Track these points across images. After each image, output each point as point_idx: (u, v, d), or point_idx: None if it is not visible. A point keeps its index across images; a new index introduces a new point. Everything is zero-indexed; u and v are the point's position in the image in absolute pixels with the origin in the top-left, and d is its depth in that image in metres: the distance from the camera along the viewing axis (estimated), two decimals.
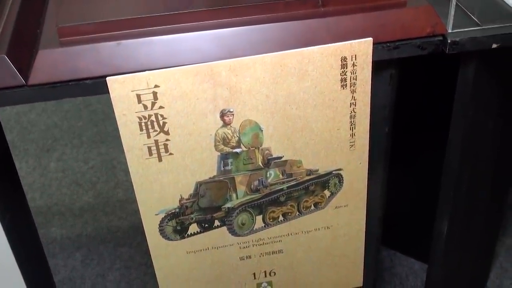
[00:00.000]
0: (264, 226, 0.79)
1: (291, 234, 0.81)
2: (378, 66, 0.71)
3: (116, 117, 0.68)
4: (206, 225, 0.77)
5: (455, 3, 0.69)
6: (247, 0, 0.69)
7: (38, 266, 1.05)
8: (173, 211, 0.75)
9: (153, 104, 0.68)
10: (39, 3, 0.78)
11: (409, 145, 0.89)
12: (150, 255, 0.79)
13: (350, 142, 0.75)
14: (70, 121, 1.88)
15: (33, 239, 1.05)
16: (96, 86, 0.66)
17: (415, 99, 0.84)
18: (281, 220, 0.79)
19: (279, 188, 0.76)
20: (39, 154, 1.75)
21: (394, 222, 1.01)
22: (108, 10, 0.69)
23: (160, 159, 0.71)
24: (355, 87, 0.71)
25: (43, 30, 0.70)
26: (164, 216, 0.75)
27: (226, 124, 0.70)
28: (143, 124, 0.68)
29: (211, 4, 0.68)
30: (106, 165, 1.70)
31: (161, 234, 0.76)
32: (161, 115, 0.68)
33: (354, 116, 0.73)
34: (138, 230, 1.47)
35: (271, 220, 0.79)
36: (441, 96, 0.79)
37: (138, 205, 0.74)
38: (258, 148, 0.73)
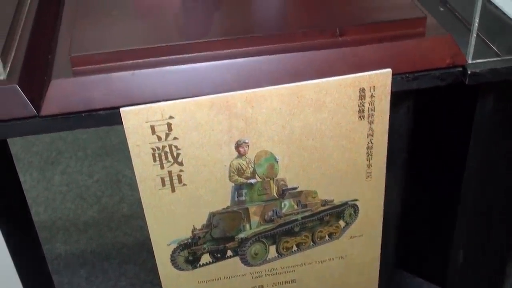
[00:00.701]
0: (278, 256, 0.77)
1: (304, 264, 0.79)
2: (396, 96, 0.69)
3: (129, 147, 0.66)
4: (219, 255, 0.76)
5: (475, 34, 0.68)
6: (263, 29, 0.68)
7: (42, 284, 1.04)
8: (185, 241, 0.73)
9: (167, 135, 0.66)
10: (50, 27, 0.76)
11: (425, 173, 0.88)
12: (158, 276, 0.77)
13: (367, 173, 0.73)
14: (74, 134, 1.86)
15: (37, 255, 1.04)
16: (109, 117, 0.65)
17: (432, 128, 0.83)
18: (295, 250, 0.78)
19: (293, 218, 0.75)
20: (43, 167, 1.74)
21: (408, 245, 1.00)
22: (121, 38, 0.67)
23: (173, 190, 0.70)
24: (373, 118, 0.69)
25: (55, 56, 0.68)
26: (176, 247, 0.74)
27: (241, 155, 0.69)
28: (156, 155, 0.67)
29: (227, 33, 0.67)
30: (111, 178, 1.69)
31: (172, 264, 0.75)
32: (175, 146, 0.67)
33: (372, 147, 0.71)
34: (143, 247, 1.45)
35: (284, 250, 0.77)
36: (458, 125, 0.78)
37: (150, 235, 0.73)
38: (273, 178, 0.71)
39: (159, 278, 0.76)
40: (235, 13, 0.71)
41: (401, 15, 0.69)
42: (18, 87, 0.63)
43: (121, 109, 0.64)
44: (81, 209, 1.60)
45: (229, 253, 0.76)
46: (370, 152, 0.72)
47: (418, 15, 0.69)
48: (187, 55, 0.66)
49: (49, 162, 1.76)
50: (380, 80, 0.67)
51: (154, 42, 0.66)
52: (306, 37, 0.67)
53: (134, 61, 0.65)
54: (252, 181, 0.71)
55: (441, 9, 0.79)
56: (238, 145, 0.68)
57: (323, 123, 0.69)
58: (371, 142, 0.71)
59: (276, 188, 0.72)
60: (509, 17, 0.75)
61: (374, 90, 0.67)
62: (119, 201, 1.61)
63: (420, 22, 0.69)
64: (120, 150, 1.78)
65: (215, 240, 0.74)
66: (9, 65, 0.66)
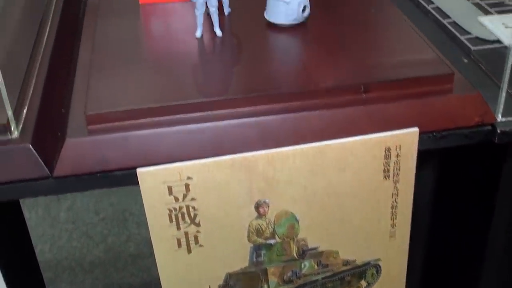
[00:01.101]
0: None
1: None
2: (422, 154, 0.67)
3: (145, 208, 0.64)
4: None
5: (505, 92, 0.65)
6: (285, 85, 0.65)
7: None
8: None
9: (184, 196, 0.64)
10: (64, 79, 0.74)
11: (450, 231, 0.85)
12: None
13: (391, 232, 0.71)
14: None
15: None
16: (125, 178, 0.62)
17: (457, 184, 0.80)
18: None
19: (313, 279, 0.72)
20: (49, 204, 1.71)
21: None
22: (139, 95, 0.65)
23: (189, 251, 0.67)
24: (398, 177, 0.67)
25: (70, 112, 0.66)
26: None
27: (260, 215, 0.66)
28: (173, 215, 0.64)
29: (248, 90, 0.65)
30: (118, 216, 1.66)
31: None
32: (193, 207, 0.64)
33: (396, 206, 0.69)
34: None
35: None
36: (484, 182, 0.75)
37: None
38: (293, 239, 0.69)
39: None
40: (255, 69, 0.68)
41: (427, 71, 0.67)
42: (31, 147, 0.60)
43: (138, 170, 0.61)
44: (87, 248, 1.57)
45: None
46: (395, 211, 0.69)
47: (446, 71, 0.67)
48: (207, 113, 0.63)
49: (55, 199, 1.73)
50: (406, 139, 0.64)
51: (172, 100, 0.63)
52: (330, 94, 0.65)
53: (152, 119, 0.63)
54: (272, 241, 0.68)
55: (465, 60, 0.77)
56: (258, 206, 0.65)
57: (346, 183, 0.66)
58: (396, 202, 0.68)
59: (296, 249, 0.69)
60: None
61: (400, 150, 0.65)
62: (126, 240, 1.58)
63: (447, 78, 0.66)
64: (127, 187, 1.75)
65: None
66: (22, 122, 0.63)
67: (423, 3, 0.91)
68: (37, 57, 0.74)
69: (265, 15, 0.77)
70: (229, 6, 0.81)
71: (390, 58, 0.70)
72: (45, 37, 0.79)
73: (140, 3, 0.84)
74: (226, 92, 0.65)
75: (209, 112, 0.64)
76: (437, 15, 0.87)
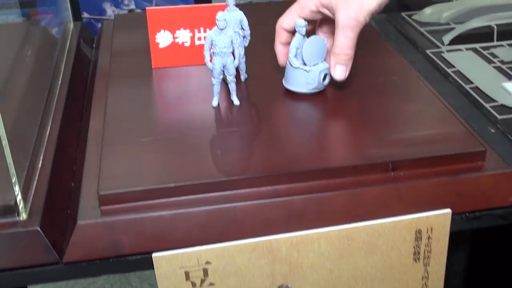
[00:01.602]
0: None
1: None
2: (453, 234, 0.63)
3: None
4: None
5: None
6: (309, 163, 0.62)
7: None
8: None
9: (202, 281, 0.60)
10: (73, 151, 0.71)
11: None
12: None
13: None
14: None
15: None
16: (139, 263, 0.58)
17: (490, 265, 0.76)
18: None
19: None
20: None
21: None
22: (154, 173, 0.61)
23: None
24: (428, 260, 0.63)
25: (81, 190, 0.62)
26: None
27: None
28: None
29: (269, 168, 0.61)
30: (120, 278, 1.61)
31: None
32: None
33: None
34: None
35: None
36: None
37: None
38: None
39: None
40: (276, 143, 0.65)
41: (458, 148, 0.64)
42: (40, 230, 0.56)
43: (154, 255, 0.57)
44: None
45: None
46: None
47: (477, 148, 0.63)
48: (226, 193, 0.60)
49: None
50: (438, 221, 0.61)
51: (190, 178, 0.60)
52: (356, 172, 0.61)
53: (169, 199, 0.59)
54: None
55: (492, 130, 0.74)
56: None
57: (374, 266, 0.62)
58: (426, 285, 0.64)
59: None
60: None
61: (431, 232, 0.61)
62: None
63: (479, 155, 0.63)
64: None
65: None
66: (30, 202, 0.60)
67: (443, 66, 0.89)
68: (46, 129, 0.71)
69: (283, 82, 0.74)
70: (246, 71, 0.78)
71: (418, 132, 0.67)
72: (54, 106, 0.76)
73: (152, 67, 0.82)
74: (247, 170, 0.61)
75: (229, 192, 0.60)
76: (458, 80, 0.85)
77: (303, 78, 0.72)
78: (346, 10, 0.69)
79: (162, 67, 0.82)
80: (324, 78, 0.73)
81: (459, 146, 0.64)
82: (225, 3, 0.76)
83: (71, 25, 1.00)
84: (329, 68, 0.73)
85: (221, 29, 0.68)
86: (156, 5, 1.95)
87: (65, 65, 0.87)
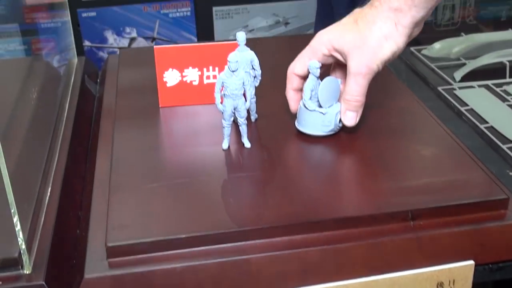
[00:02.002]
0: None
1: None
2: (475, 286, 0.61)
3: None
4: None
5: None
6: (326, 212, 0.59)
7: None
8: None
9: None
10: (79, 195, 0.68)
11: None
12: None
13: None
14: None
15: None
16: None
17: None
18: None
19: None
20: None
21: None
22: (164, 223, 0.59)
23: None
24: None
25: (88, 239, 0.59)
26: None
27: None
28: None
29: (284, 217, 0.59)
30: None
31: None
32: None
33: None
34: None
35: None
36: None
37: None
38: None
39: None
40: (290, 190, 0.63)
41: (480, 195, 0.61)
42: (45, 285, 0.54)
43: None
44: None
45: None
46: None
47: (499, 195, 0.61)
48: (240, 244, 0.57)
49: None
50: (461, 273, 0.58)
51: (202, 229, 0.57)
52: (375, 221, 0.59)
53: (180, 251, 0.57)
54: None
55: (510, 173, 0.72)
56: None
57: None
58: None
59: None
60: None
61: (453, 284, 0.59)
62: None
63: (502, 203, 0.61)
64: None
65: None
66: (34, 254, 0.57)
67: (456, 104, 0.87)
68: (50, 173, 0.68)
69: (297, 125, 0.72)
70: (256, 111, 0.76)
71: (436, 178, 0.64)
72: (58, 148, 0.74)
73: (160, 106, 0.79)
74: (260, 219, 0.59)
75: (242, 243, 0.57)
76: (472, 119, 0.83)
77: (319, 121, 0.70)
78: (359, 57, 0.67)
79: (170, 106, 0.79)
80: (340, 119, 0.71)
81: (480, 193, 0.62)
82: (234, 42, 0.74)
83: (75, 60, 0.98)
84: None
85: (233, 71, 0.66)
86: (158, 33, 1.94)
87: (69, 103, 0.85)
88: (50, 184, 0.66)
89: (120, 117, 0.78)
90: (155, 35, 1.94)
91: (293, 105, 0.73)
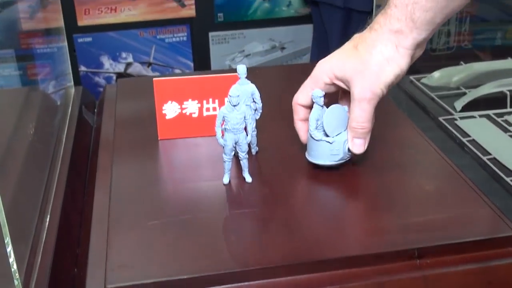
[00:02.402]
0: None
1: None
2: None
3: None
4: None
5: None
6: (328, 251, 0.58)
7: None
8: None
9: None
10: (76, 234, 0.67)
11: None
12: None
13: None
14: None
15: None
16: None
17: None
18: None
19: None
20: None
21: None
22: (165, 263, 0.57)
23: None
24: None
25: (86, 279, 0.58)
26: None
27: None
28: None
29: (287, 256, 0.57)
30: None
31: None
32: None
33: None
34: None
35: None
36: None
37: None
38: None
39: None
40: (292, 227, 0.61)
41: (486, 232, 0.60)
42: None
43: None
44: None
45: None
46: None
47: (507, 232, 0.60)
48: (242, 284, 0.56)
49: None
50: None
51: (203, 269, 0.56)
52: (380, 260, 0.58)
53: None
54: None
55: None
56: None
57: None
58: None
59: None
60: None
61: None
62: None
63: (509, 240, 0.60)
64: None
65: None
66: None
67: (458, 134, 0.86)
68: (47, 208, 0.67)
69: (306, 156, 0.70)
70: (257, 144, 0.75)
71: (441, 214, 0.63)
72: (55, 182, 0.72)
73: (159, 138, 0.78)
74: (263, 258, 0.57)
75: (245, 283, 0.56)
76: (475, 150, 0.82)
77: (327, 150, 0.68)
78: (362, 82, 0.66)
79: (169, 138, 0.78)
80: (349, 148, 0.69)
81: (487, 230, 0.61)
82: (234, 74, 0.73)
83: (72, 90, 0.97)
84: None
85: (234, 106, 0.65)
86: (154, 58, 1.94)
87: (66, 134, 0.84)
88: (47, 221, 0.65)
89: (119, 149, 0.77)
90: (151, 60, 1.93)
91: (302, 136, 0.72)
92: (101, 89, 1.94)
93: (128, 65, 1.94)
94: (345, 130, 0.69)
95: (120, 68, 1.93)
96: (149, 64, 1.94)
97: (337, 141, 0.68)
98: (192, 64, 1.96)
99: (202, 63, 1.96)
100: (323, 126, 0.68)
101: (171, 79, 0.76)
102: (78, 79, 1.88)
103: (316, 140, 0.68)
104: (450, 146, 0.85)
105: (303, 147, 0.73)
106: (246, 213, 0.64)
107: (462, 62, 1.08)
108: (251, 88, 0.72)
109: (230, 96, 0.65)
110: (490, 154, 0.81)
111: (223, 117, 0.66)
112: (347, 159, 0.70)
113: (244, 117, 0.66)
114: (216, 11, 1.91)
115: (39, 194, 0.67)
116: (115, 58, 1.92)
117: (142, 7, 1.87)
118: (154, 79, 0.76)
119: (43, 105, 0.90)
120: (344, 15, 1.67)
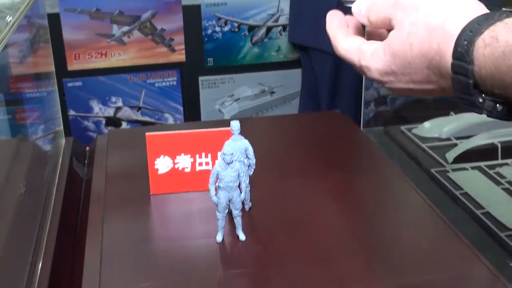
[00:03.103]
0: None
1: None
2: None
3: None
4: None
5: None
6: None
7: None
8: None
9: None
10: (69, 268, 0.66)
11: None
12: None
13: None
14: None
15: None
16: None
17: None
18: None
19: None
20: None
21: None
22: None
23: None
24: None
25: None
26: None
27: None
28: None
29: None
30: None
31: None
32: None
33: None
34: None
35: None
36: None
37: None
38: None
39: None
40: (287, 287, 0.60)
41: None
42: None
43: None
44: None
45: None
46: None
47: None
48: None
49: None
50: None
51: None
52: None
53: None
54: None
55: (511, 264, 0.70)
56: None
57: None
58: None
59: None
60: None
61: None
62: None
63: None
64: None
65: None
66: None
67: (451, 187, 0.86)
68: (36, 269, 0.66)
69: None
70: (250, 199, 0.74)
71: (438, 274, 0.62)
72: (45, 238, 0.71)
73: (150, 193, 0.77)
74: None
75: None
76: (468, 204, 0.82)
77: None
78: None
79: (161, 193, 0.77)
80: None
81: None
82: (227, 129, 0.73)
83: (63, 141, 0.96)
84: None
85: (228, 164, 0.65)
86: (144, 102, 1.93)
87: (57, 187, 0.83)
88: (36, 282, 0.63)
89: (110, 204, 0.76)
90: (141, 105, 1.93)
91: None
92: (90, 133, 1.94)
93: (118, 109, 1.94)
94: None
95: (110, 112, 1.92)
96: (139, 108, 1.94)
97: None
98: (181, 108, 1.96)
99: (191, 107, 1.96)
100: None
101: (163, 134, 0.76)
102: (67, 124, 1.87)
103: None
104: (443, 199, 0.84)
105: (297, 201, 0.72)
106: (240, 274, 0.63)
107: (452, 113, 1.08)
108: (245, 144, 0.71)
109: (224, 154, 0.64)
110: (483, 208, 0.80)
111: (217, 174, 0.66)
112: None
113: (238, 174, 0.66)
114: (206, 56, 1.92)
115: (28, 253, 0.66)
116: (104, 103, 1.92)
117: (132, 52, 1.87)
118: (146, 133, 0.75)
119: (34, 157, 0.89)
120: (335, 61, 1.69)
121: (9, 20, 0.75)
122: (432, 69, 0.46)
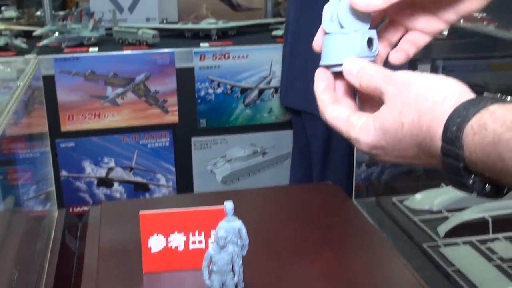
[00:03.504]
0: None
1: None
2: None
3: None
4: None
5: None
6: None
7: None
8: None
9: None
10: None
11: None
12: None
13: None
14: None
15: None
16: None
17: None
18: None
19: None
20: None
21: None
22: None
23: None
24: None
25: None
26: None
27: None
28: None
29: None
30: None
31: None
32: None
33: None
34: None
35: None
36: None
37: None
38: None
39: None
40: None
41: None
42: None
43: None
44: None
45: None
46: None
47: None
48: None
49: None
50: None
51: None
52: None
53: None
54: None
55: None
56: None
57: None
58: None
59: None
60: None
61: None
62: None
63: None
64: None
65: None
66: None
67: (443, 263, 0.86)
68: None
69: (321, 61, 0.56)
70: (243, 280, 0.74)
71: None
72: None
73: (143, 271, 0.77)
74: None
75: None
76: (460, 281, 0.82)
77: (341, 45, 0.54)
78: None
79: (154, 271, 0.77)
80: (370, 43, 0.54)
81: None
82: (220, 207, 0.73)
83: (56, 213, 0.96)
84: (376, 34, 0.54)
85: (222, 248, 0.65)
86: (136, 163, 1.94)
87: (49, 263, 0.83)
88: None
89: (102, 281, 0.76)
90: (133, 165, 1.94)
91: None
92: (82, 194, 1.94)
93: (110, 170, 1.94)
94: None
95: (102, 173, 1.93)
96: (131, 168, 1.94)
97: (355, 34, 0.54)
98: (174, 169, 1.97)
99: (184, 168, 1.97)
100: (338, 17, 0.54)
101: (157, 214, 0.76)
102: (59, 184, 1.86)
103: (328, 33, 0.55)
104: (435, 275, 0.84)
105: (290, 283, 0.72)
106: None
107: (443, 184, 1.09)
108: (238, 224, 0.71)
109: (217, 237, 0.65)
110: (475, 286, 0.81)
111: (210, 258, 0.66)
112: (368, 57, 0.54)
113: (232, 257, 0.66)
114: (199, 117, 1.94)
115: None
116: (97, 163, 1.92)
117: (125, 113, 1.89)
118: (140, 213, 0.76)
119: (26, 231, 0.89)
120: (327, 125, 1.70)
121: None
122: (422, 149, 0.47)
